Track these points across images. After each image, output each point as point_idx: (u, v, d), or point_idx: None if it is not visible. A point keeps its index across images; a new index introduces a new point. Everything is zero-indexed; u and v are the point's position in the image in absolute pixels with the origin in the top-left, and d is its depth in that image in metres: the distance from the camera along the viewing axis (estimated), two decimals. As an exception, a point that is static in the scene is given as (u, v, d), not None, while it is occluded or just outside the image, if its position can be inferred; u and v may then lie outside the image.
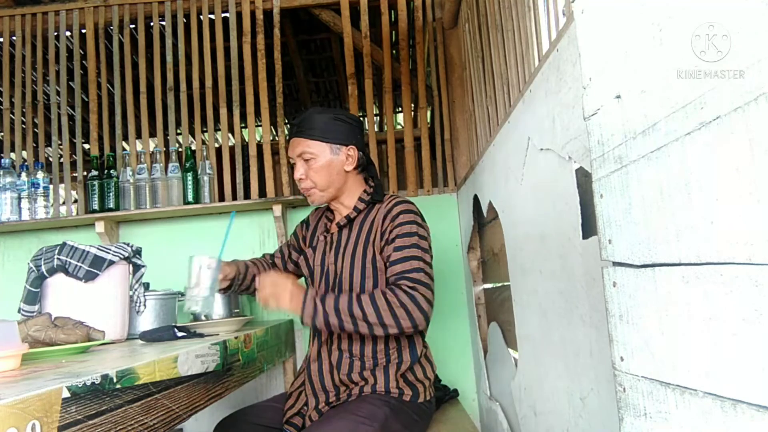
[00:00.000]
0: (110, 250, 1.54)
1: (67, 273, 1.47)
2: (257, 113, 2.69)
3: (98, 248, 1.52)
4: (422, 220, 1.47)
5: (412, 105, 2.84)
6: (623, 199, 0.69)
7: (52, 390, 0.66)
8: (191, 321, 1.90)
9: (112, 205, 2.45)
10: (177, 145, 2.83)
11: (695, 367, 0.57)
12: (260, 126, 3.37)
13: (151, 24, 2.79)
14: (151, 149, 3.22)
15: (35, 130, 3.09)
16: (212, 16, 2.76)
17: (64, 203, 4.09)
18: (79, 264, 1.48)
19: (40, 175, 2.47)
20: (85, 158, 3.02)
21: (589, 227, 1.03)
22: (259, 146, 2.73)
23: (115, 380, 0.81)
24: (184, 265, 1.49)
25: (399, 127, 4.43)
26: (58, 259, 1.47)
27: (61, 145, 2.69)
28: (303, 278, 1.65)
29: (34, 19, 2.75)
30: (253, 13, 2.71)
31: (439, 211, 2.54)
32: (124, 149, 2.72)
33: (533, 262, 1.38)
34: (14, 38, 2.76)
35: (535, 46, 1.39)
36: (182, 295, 1.66)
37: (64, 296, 1.48)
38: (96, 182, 2.44)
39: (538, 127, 1.26)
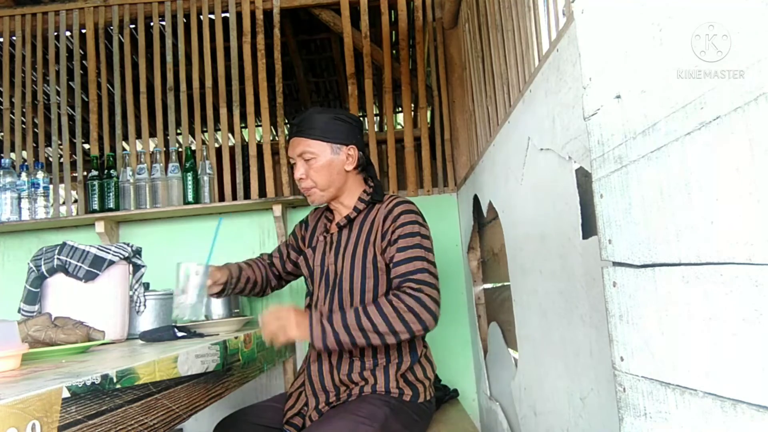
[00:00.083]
0: (110, 250, 1.54)
1: (67, 273, 1.48)
2: (257, 113, 2.69)
3: (98, 248, 1.52)
4: (423, 219, 1.47)
5: (412, 105, 2.84)
6: (623, 199, 0.69)
7: (52, 390, 0.66)
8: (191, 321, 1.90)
9: (112, 205, 2.45)
10: (177, 145, 2.83)
11: (695, 367, 0.57)
12: (260, 126, 3.37)
13: (151, 24, 2.79)
14: (151, 149, 3.22)
15: (35, 130, 3.09)
16: (212, 16, 2.76)
17: (64, 203, 4.09)
18: (79, 264, 1.48)
19: (40, 175, 2.47)
20: (85, 158, 3.02)
21: (589, 227, 1.03)
22: (259, 146, 2.73)
23: (115, 380, 0.81)
24: (184, 265, 1.48)
25: (399, 127, 4.43)
26: (58, 259, 1.48)
27: (61, 145, 2.69)
28: (303, 278, 1.65)
29: (34, 19, 2.74)
30: (253, 13, 2.71)
31: (439, 211, 2.54)
32: (124, 149, 2.72)
33: (533, 262, 1.38)
34: (14, 38, 2.76)
35: (535, 46, 1.39)
36: None
37: (64, 296, 1.48)
38: (96, 182, 2.44)
39: (538, 127, 1.26)
